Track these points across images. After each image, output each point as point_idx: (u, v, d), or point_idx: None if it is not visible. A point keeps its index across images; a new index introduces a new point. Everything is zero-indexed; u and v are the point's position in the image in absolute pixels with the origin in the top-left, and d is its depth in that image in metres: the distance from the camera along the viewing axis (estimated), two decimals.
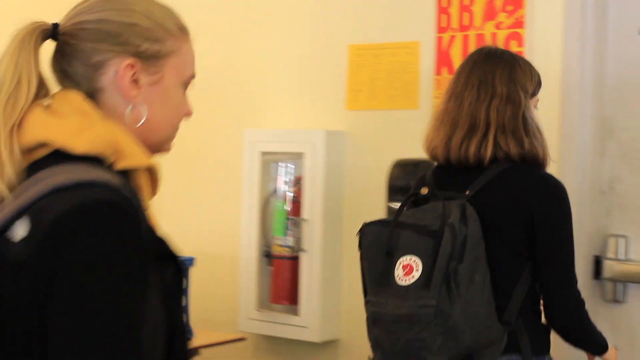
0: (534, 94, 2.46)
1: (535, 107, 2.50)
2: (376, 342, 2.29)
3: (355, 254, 3.61)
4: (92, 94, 1.41)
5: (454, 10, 3.43)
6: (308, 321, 3.53)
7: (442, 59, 3.45)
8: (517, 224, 2.30)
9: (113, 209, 1.27)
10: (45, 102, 1.42)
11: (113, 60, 1.41)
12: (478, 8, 3.39)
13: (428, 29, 3.50)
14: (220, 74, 3.98)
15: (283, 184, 3.68)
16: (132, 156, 1.39)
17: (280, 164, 3.70)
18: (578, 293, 2.34)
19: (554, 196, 2.31)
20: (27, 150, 1.35)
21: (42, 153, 1.35)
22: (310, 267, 3.53)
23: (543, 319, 2.43)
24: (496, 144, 2.29)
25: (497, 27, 3.34)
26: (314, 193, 3.54)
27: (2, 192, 1.31)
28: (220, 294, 3.89)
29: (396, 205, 3.35)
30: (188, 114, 1.53)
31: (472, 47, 3.37)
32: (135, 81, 1.43)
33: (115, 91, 1.42)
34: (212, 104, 3.90)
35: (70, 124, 1.35)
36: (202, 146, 3.97)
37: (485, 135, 2.30)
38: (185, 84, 1.51)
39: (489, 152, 2.29)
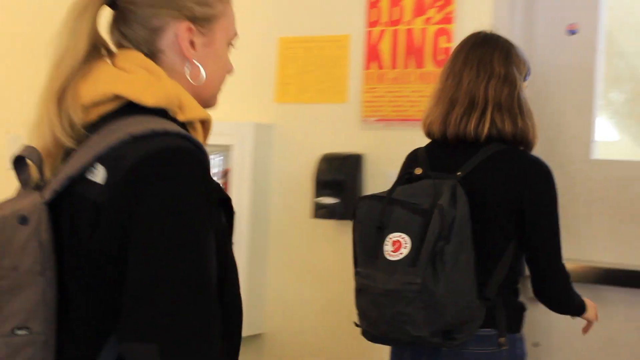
0: (525, 79, 2.57)
1: None
2: (362, 312, 2.39)
3: (281, 248, 3.61)
4: (152, 55, 1.53)
5: (384, 5, 3.43)
6: None
7: (372, 53, 3.44)
8: (507, 205, 2.40)
9: (187, 155, 1.40)
10: (108, 60, 1.54)
11: (171, 24, 1.53)
12: (408, 3, 3.39)
13: (358, 23, 3.49)
14: None
15: None
16: (192, 109, 1.52)
17: None
18: (564, 267, 2.48)
19: (545, 180, 2.44)
20: (97, 104, 1.48)
21: (112, 106, 1.47)
22: (236, 260, 3.50)
23: (520, 298, 2.56)
24: (493, 121, 2.40)
25: (427, 22, 3.35)
26: (241, 186, 3.52)
27: (64, 142, 1.45)
28: None
29: (324, 200, 3.37)
30: (231, 70, 1.70)
31: (401, 42, 3.38)
32: (191, 42, 1.56)
33: (173, 52, 1.54)
34: None
35: (140, 79, 1.48)
36: None
37: (483, 112, 2.41)
38: (229, 43, 1.68)
39: (486, 129, 2.40)
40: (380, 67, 3.42)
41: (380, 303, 2.29)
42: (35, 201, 1.39)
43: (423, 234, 2.25)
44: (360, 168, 3.40)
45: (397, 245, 2.28)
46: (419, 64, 3.34)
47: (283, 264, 3.58)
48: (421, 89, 3.33)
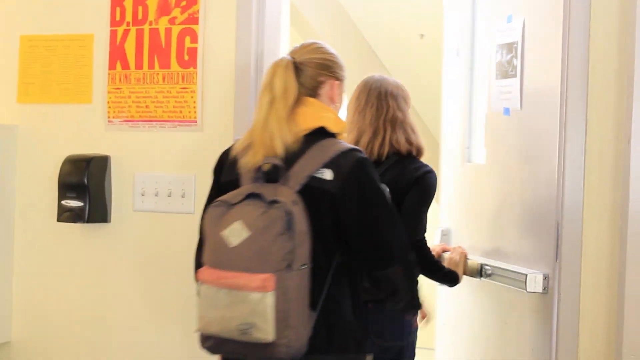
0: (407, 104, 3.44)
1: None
2: None
3: (27, 253, 3.53)
4: (314, 96, 2.51)
5: (128, 4, 3.40)
6: None
7: (116, 52, 3.41)
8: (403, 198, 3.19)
9: (369, 161, 2.48)
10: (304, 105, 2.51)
11: (328, 81, 2.54)
12: (152, 3, 3.37)
13: (102, 22, 3.44)
14: None
15: None
16: (345, 132, 2.56)
17: None
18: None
19: (430, 180, 3.26)
20: (305, 130, 2.45)
21: (308, 131, 2.45)
22: None
23: None
24: (391, 143, 3.25)
25: (172, 22, 3.34)
26: None
27: (288, 147, 2.43)
28: None
29: (69, 203, 3.32)
30: None
31: (146, 42, 3.36)
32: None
33: (325, 96, 2.54)
34: None
35: (332, 118, 2.51)
36: None
37: (384, 137, 3.26)
38: None
39: (386, 149, 3.24)
40: (125, 67, 3.40)
41: None
42: (292, 191, 2.36)
43: None
44: (106, 170, 3.38)
45: None
46: (164, 65, 3.34)
47: (29, 269, 3.51)
48: (166, 90, 3.34)
